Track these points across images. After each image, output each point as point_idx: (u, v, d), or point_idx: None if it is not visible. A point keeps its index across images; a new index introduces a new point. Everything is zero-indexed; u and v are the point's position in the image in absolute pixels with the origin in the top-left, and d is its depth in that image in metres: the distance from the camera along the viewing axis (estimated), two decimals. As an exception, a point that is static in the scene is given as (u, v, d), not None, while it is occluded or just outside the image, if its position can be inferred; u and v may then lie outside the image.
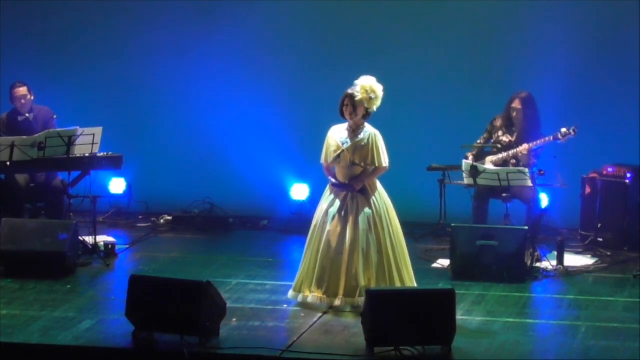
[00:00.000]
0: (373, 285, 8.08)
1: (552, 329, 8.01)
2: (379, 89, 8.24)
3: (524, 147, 9.64)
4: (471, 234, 9.26)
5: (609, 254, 10.11)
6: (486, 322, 7.99)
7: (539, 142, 9.66)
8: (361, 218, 8.22)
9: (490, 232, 9.28)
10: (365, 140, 8.28)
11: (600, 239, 10.31)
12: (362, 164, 8.28)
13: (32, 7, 11.80)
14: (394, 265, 8.23)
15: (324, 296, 8.20)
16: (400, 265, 8.28)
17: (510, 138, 9.89)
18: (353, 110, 8.25)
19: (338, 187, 8.32)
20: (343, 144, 8.31)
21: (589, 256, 10.02)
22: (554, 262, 9.50)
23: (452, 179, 10.37)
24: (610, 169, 10.43)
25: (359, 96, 8.20)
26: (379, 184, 8.41)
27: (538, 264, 9.44)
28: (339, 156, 8.31)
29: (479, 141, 10.01)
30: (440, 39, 11.26)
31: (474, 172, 9.52)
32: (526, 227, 9.34)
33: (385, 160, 8.33)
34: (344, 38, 11.41)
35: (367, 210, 8.25)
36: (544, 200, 10.20)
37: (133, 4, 11.71)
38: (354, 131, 8.33)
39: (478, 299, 8.62)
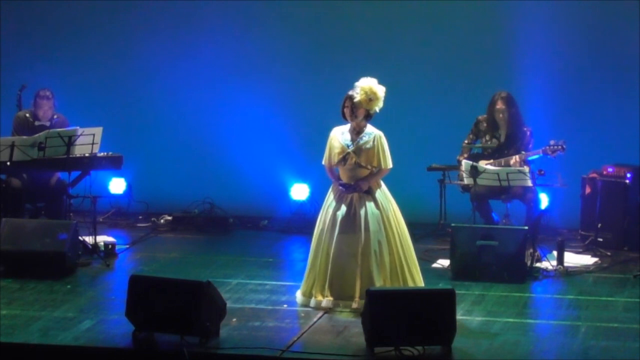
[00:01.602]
0: (388, 286, 8.08)
1: (552, 329, 8.01)
2: (379, 91, 8.21)
3: (515, 160, 9.63)
4: (471, 234, 9.26)
5: (609, 254, 10.10)
6: (486, 322, 7.99)
7: (530, 154, 9.67)
8: (370, 219, 8.21)
9: (490, 232, 9.28)
10: (371, 143, 8.27)
11: (600, 239, 10.30)
12: (368, 166, 8.28)
13: (32, 8, 11.80)
14: (404, 264, 8.24)
15: (339, 300, 8.18)
16: (409, 264, 8.29)
17: (498, 141, 9.91)
18: (353, 112, 8.24)
19: (345, 189, 8.31)
20: (348, 146, 8.29)
21: (589, 256, 10.02)
22: (554, 262, 9.50)
23: (452, 179, 10.37)
24: (610, 169, 10.43)
25: (357, 98, 8.19)
26: (383, 184, 8.41)
27: (538, 264, 9.44)
28: (344, 158, 8.29)
29: (466, 141, 10.03)
30: (440, 40, 11.26)
31: (474, 172, 9.52)
32: (526, 227, 9.34)
33: (390, 162, 8.33)
34: (344, 38, 11.40)
35: (375, 211, 8.24)
36: (544, 200, 10.21)
37: (133, 4, 11.71)
38: (358, 133, 8.31)
39: (478, 299, 8.62)
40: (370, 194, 8.28)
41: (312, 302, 8.26)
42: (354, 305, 8.12)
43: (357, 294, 8.12)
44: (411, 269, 8.29)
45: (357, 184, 8.28)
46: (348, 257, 8.20)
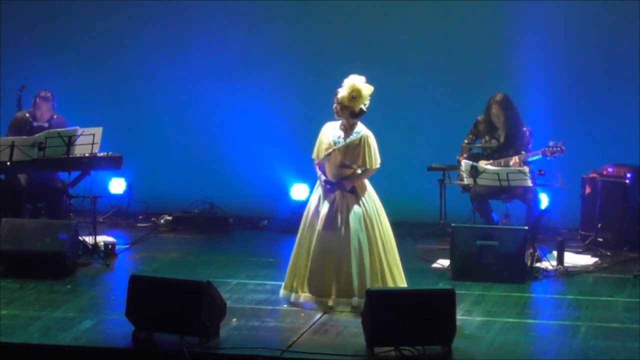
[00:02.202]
0: (367, 285, 8.05)
1: (552, 329, 8.01)
2: (364, 89, 8.13)
3: (515, 161, 9.63)
4: (471, 234, 9.26)
5: (609, 254, 10.10)
6: (486, 322, 7.99)
7: (529, 155, 9.67)
8: (352, 218, 8.19)
9: (490, 232, 9.28)
10: (357, 142, 8.24)
11: (600, 239, 10.30)
12: (353, 165, 8.25)
13: (33, 8, 11.81)
14: (385, 265, 8.22)
15: (316, 296, 8.18)
16: (391, 265, 8.26)
17: (498, 142, 9.91)
18: (338, 109, 8.21)
19: (329, 185, 8.30)
20: (335, 143, 8.27)
21: (589, 256, 10.02)
22: (554, 262, 9.50)
23: (452, 179, 10.37)
24: (610, 169, 10.43)
25: (339, 94, 8.16)
26: (368, 184, 8.38)
27: (538, 264, 9.44)
28: (329, 154, 8.28)
29: (466, 141, 10.04)
30: (440, 40, 11.26)
31: (474, 172, 9.52)
32: (526, 227, 9.34)
33: (376, 162, 8.28)
34: (345, 39, 11.40)
35: (357, 210, 8.21)
36: (544, 200, 10.20)
37: (133, 4, 11.72)
38: (347, 130, 8.29)
39: (478, 299, 8.62)
40: (354, 193, 8.26)
41: (293, 297, 8.28)
42: (330, 302, 8.12)
43: (334, 292, 8.13)
44: (393, 271, 8.24)
45: (341, 183, 8.26)
46: (328, 255, 8.18)
